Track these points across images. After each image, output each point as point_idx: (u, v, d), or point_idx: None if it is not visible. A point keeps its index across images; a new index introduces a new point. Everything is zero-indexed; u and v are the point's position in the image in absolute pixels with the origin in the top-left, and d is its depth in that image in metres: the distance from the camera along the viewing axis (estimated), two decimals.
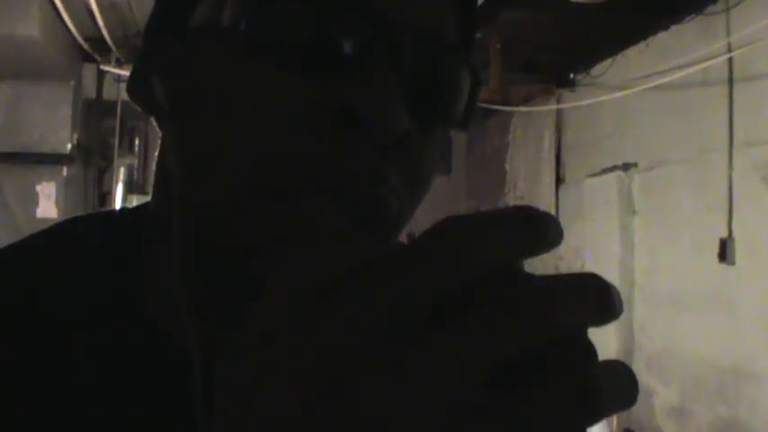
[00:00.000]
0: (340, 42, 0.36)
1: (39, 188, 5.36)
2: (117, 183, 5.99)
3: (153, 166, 0.46)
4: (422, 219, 0.42)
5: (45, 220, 5.08)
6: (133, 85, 0.44)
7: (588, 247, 5.24)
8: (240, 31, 0.37)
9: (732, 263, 3.91)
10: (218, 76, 0.38)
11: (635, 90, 4.51)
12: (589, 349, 0.22)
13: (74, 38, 4.99)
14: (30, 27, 4.48)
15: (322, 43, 0.36)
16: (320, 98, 0.35)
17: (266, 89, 0.36)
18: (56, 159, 5.39)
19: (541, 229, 0.22)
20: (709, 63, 3.92)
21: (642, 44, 4.84)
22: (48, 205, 5.36)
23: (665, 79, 4.26)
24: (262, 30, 0.36)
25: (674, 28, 4.49)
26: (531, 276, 0.22)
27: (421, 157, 0.39)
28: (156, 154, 0.45)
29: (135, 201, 5.84)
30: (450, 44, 0.41)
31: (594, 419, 0.20)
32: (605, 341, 4.48)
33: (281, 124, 0.36)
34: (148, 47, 0.44)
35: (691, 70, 4.07)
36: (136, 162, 6.39)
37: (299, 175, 0.35)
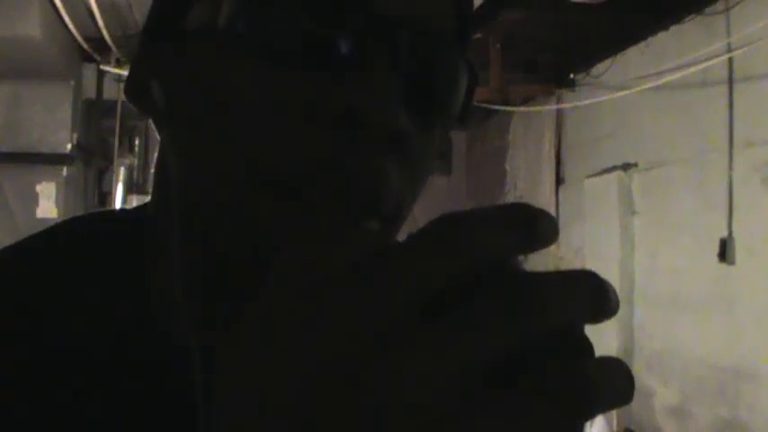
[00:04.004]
0: (337, 42, 0.36)
1: (39, 188, 5.35)
2: (117, 183, 5.99)
3: (153, 167, 0.46)
4: (422, 219, 0.42)
5: (45, 220, 5.08)
6: (131, 87, 0.44)
7: (588, 247, 5.24)
8: (237, 32, 0.37)
9: (732, 263, 3.91)
10: (217, 78, 0.38)
11: (635, 90, 4.51)
12: (585, 346, 0.22)
13: (74, 38, 4.98)
14: (30, 27, 4.47)
15: (320, 43, 0.36)
16: (319, 98, 0.36)
17: (265, 90, 0.36)
18: (56, 159, 5.38)
19: (536, 226, 0.22)
20: (710, 63, 3.92)
21: (642, 44, 4.84)
22: (48, 205, 5.35)
23: (665, 79, 4.27)
24: (259, 30, 0.37)
25: (673, 28, 4.49)
26: (526, 273, 0.22)
27: (420, 154, 0.40)
28: (156, 156, 0.45)
29: (135, 201, 5.84)
30: (446, 40, 0.41)
31: (587, 415, 0.20)
32: (605, 341, 4.48)
33: (281, 124, 0.36)
34: (145, 49, 0.44)
35: (691, 70, 4.07)
36: (136, 162, 6.38)
37: (299, 174, 0.36)
